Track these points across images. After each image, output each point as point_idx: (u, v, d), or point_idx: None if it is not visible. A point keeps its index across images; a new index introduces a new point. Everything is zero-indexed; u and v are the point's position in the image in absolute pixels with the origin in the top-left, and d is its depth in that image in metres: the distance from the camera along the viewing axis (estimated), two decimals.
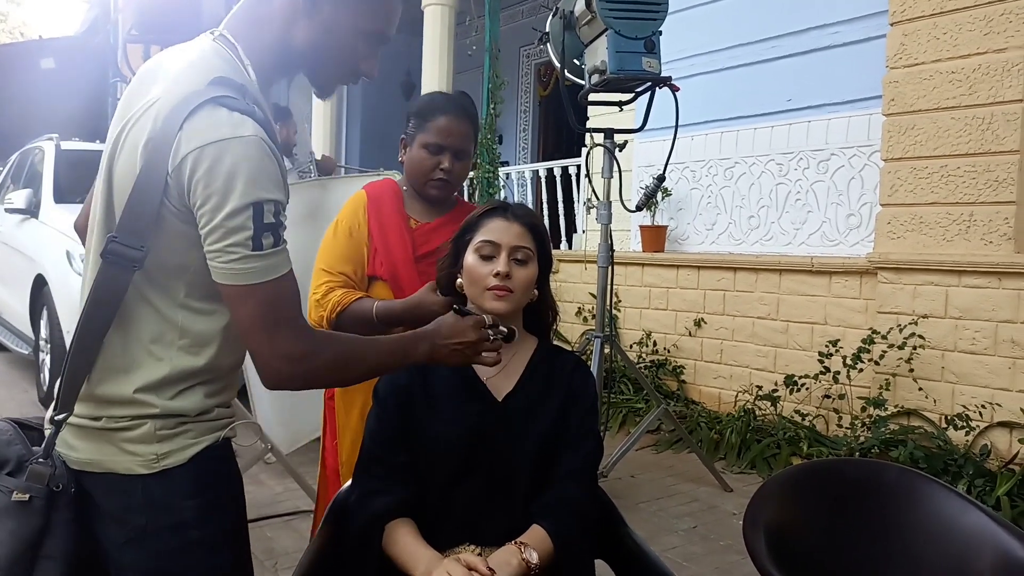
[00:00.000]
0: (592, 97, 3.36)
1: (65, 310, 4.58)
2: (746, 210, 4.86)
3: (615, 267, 3.60)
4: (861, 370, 3.88)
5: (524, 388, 1.44)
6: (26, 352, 5.48)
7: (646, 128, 3.35)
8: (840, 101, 4.35)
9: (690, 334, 4.96)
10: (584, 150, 5.25)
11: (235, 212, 0.95)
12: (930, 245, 3.75)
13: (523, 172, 7.03)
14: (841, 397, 4.07)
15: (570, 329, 5.78)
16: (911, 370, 3.74)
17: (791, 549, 1.39)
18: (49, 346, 4.82)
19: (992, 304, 3.52)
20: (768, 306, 4.55)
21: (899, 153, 3.86)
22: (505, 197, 6.97)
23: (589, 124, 3.59)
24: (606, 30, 3.02)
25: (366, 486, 1.39)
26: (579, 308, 5.73)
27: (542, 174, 6.55)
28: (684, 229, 5.24)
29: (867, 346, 3.84)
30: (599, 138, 3.43)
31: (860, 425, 3.82)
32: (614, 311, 5.21)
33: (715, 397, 4.80)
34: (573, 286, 5.82)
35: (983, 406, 3.52)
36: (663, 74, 3.09)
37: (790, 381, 4.12)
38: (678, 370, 4.99)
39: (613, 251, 3.49)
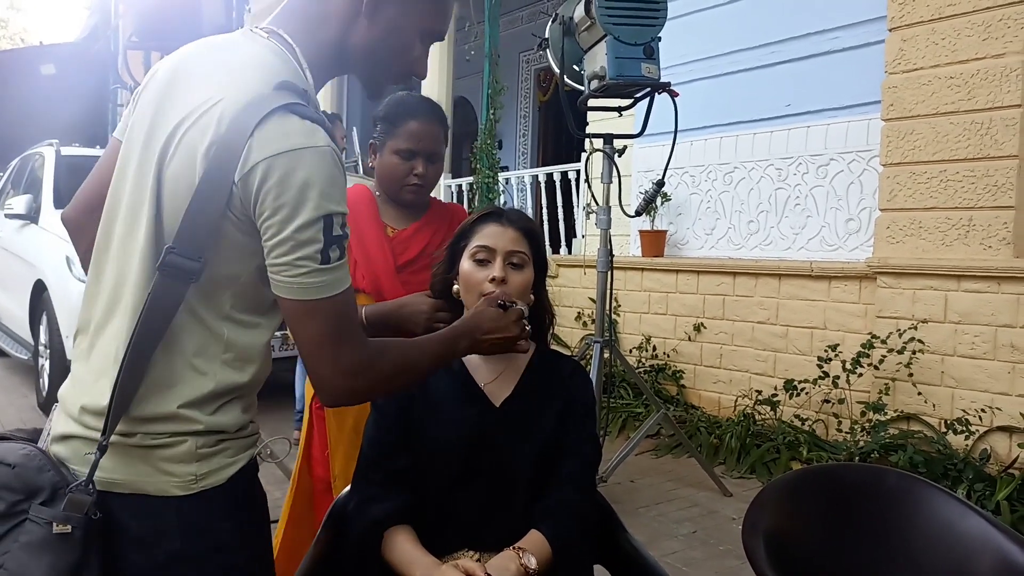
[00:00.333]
0: (591, 103, 3.37)
1: (65, 316, 4.58)
2: (745, 215, 4.86)
3: (615, 272, 3.60)
4: (861, 375, 3.88)
5: (522, 393, 1.44)
6: (25, 357, 5.48)
7: (645, 133, 3.36)
8: (839, 106, 4.36)
9: (689, 339, 4.96)
10: (584, 155, 5.26)
11: (306, 225, 0.91)
12: (929, 250, 3.76)
13: (523, 177, 7.04)
14: (841, 402, 4.07)
15: (570, 334, 5.78)
16: (910, 375, 3.74)
17: (790, 554, 1.39)
18: (49, 351, 4.82)
19: (991, 308, 3.53)
20: (767, 311, 4.55)
21: (898, 158, 3.87)
22: (505, 202, 6.98)
23: (589, 129, 3.61)
24: (605, 36, 3.03)
25: (365, 493, 1.39)
26: (579, 313, 5.73)
27: (542, 179, 6.56)
28: (684, 234, 5.24)
29: (866, 351, 3.84)
30: (598, 143, 3.44)
31: (860, 430, 3.82)
32: (613, 316, 5.20)
33: (715, 402, 4.80)
34: (573, 291, 5.83)
35: (983, 410, 3.52)
36: (662, 80, 3.10)
37: (790, 386, 4.12)
38: (678, 375, 4.99)
39: (612, 256, 3.50)
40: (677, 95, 3.15)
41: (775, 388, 4.33)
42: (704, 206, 5.11)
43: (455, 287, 1.48)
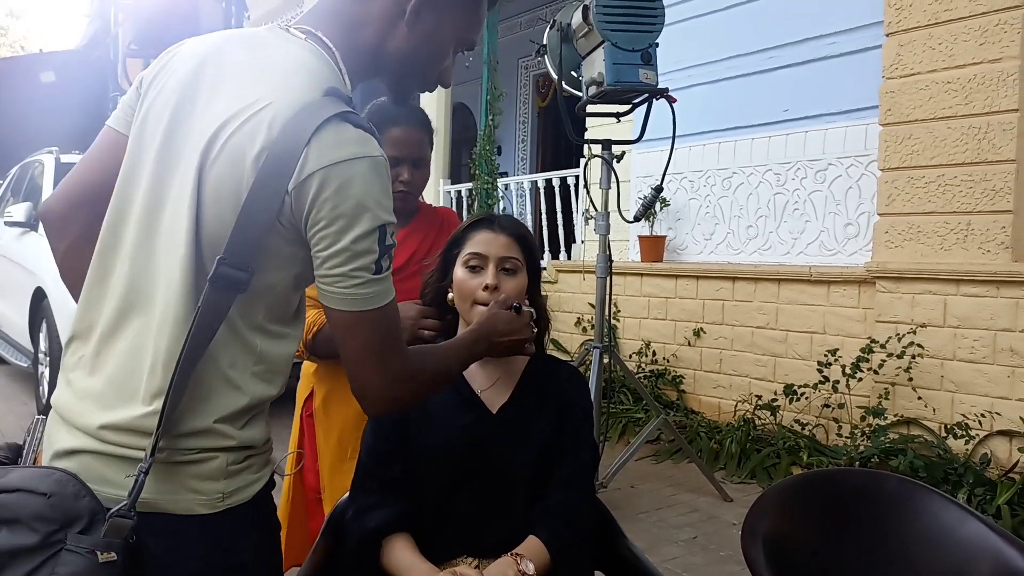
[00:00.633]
0: (590, 108, 3.37)
1: (64, 323, 4.58)
2: (744, 220, 4.87)
3: (614, 277, 3.60)
4: (860, 379, 3.88)
5: (518, 400, 1.44)
6: (25, 365, 5.48)
7: (644, 139, 3.37)
8: (837, 111, 4.37)
9: (689, 344, 4.96)
10: (582, 161, 5.27)
11: (364, 235, 0.90)
12: (928, 254, 3.76)
13: (522, 183, 7.05)
14: (841, 406, 4.07)
15: (569, 339, 5.78)
16: (910, 379, 3.74)
17: (790, 559, 1.39)
18: (48, 359, 4.82)
19: (990, 313, 3.53)
20: (767, 315, 4.55)
21: (896, 163, 3.87)
22: (504, 208, 6.99)
23: (587, 135, 3.61)
24: (603, 42, 3.04)
25: (363, 501, 1.38)
26: (578, 318, 5.73)
27: (541, 185, 6.57)
28: (683, 239, 5.25)
29: (866, 355, 3.84)
30: (597, 149, 3.45)
31: (860, 434, 3.81)
32: (613, 321, 5.21)
33: (715, 407, 4.79)
34: (572, 296, 5.83)
35: (982, 415, 3.51)
36: (660, 85, 3.11)
37: (789, 390, 4.12)
38: (677, 380, 4.98)
39: (612, 261, 3.50)
40: (675, 100, 3.16)
41: (775, 393, 4.33)
42: (703, 211, 5.11)
43: (449, 295, 1.48)
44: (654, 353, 5.15)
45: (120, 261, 0.96)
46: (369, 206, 0.90)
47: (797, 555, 1.44)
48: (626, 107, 3.41)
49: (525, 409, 1.43)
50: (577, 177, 6.08)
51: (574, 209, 6.21)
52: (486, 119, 6.52)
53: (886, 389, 3.82)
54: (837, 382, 3.95)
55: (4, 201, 6.29)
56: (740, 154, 4.88)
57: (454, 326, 1.52)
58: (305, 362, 1.86)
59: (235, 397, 0.94)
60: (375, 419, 1.44)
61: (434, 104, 7.35)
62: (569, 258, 6.24)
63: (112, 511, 0.86)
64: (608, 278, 3.45)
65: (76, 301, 1.07)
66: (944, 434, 3.57)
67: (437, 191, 7.45)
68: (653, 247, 5.23)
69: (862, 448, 3.73)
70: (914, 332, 3.72)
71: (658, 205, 4.95)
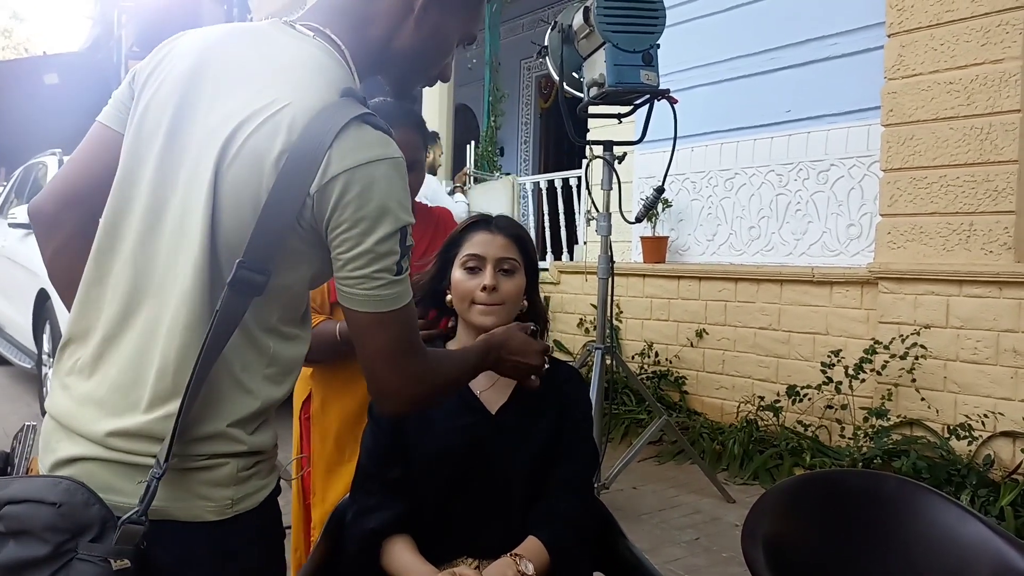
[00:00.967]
0: (591, 110, 3.38)
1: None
2: (746, 221, 4.86)
3: (616, 278, 3.60)
4: (863, 380, 3.87)
5: (517, 401, 1.44)
6: (29, 366, 5.50)
7: (646, 140, 3.37)
8: (839, 112, 4.37)
9: (692, 345, 4.95)
10: (584, 162, 5.27)
11: (387, 237, 0.90)
12: (930, 255, 3.75)
13: (524, 184, 7.05)
14: (843, 407, 4.06)
15: (571, 340, 5.77)
16: (913, 380, 3.73)
17: (790, 560, 1.39)
18: (52, 360, 4.84)
19: (993, 314, 3.52)
20: (769, 316, 4.55)
21: (898, 163, 3.87)
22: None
23: (589, 136, 3.61)
24: (604, 43, 3.04)
25: (362, 503, 1.39)
26: (580, 319, 5.73)
27: (543, 186, 6.57)
28: (685, 240, 5.24)
29: (869, 356, 3.84)
30: (598, 150, 3.45)
31: (863, 435, 3.81)
32: (615, 322, 5.21)
33: (717, 408, 4.79)
34: (574, 297, 5.83)
35: (985, 416, 3.51)
36: (661, 86, 3.11)
37: (792, 392, 4.11)
38: (680, 381, 4.98)
39: (614, 262, 3.50)
40: (676, 101, 3.16)
41: (777, 394, 4.33)
42: (705, 212, 5.11)
43: (448, 296, 1.48)
44: (656, 354, 5.14)
45: (120, 262, 0.93)
46: (391, 208, 0.90)
47: (797, 556, 1.44)
48: (627, 108, 3.41)
49: (524, 410, 1.43)
50: (579, 178, 6.08)
51: (576, 210, 6.21)
52: (488, 120, 6.53)
53: (889, 390, 3.81)
54: (840, 383, 3.95)
55: (8, 202, 6.31)
56: (742, 155, 4.88)
57: (452, 329, 1.52)
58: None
59: (246, 400, 0.93)
60: (375, 421, 1.44)
61: (436, 105, 7.36)
62: (571, 259, 6.24)
63: (124, 518, 0.84)
64: (610, 279, 3.45)
65: (64, 302, 1.05)
66: (947, 435, 3.57)
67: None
68: (655, 248, 5.22)
69: (865, 449, 3.72)
70: (917, 333, 3.71)
71: (660, 206, 4.95)
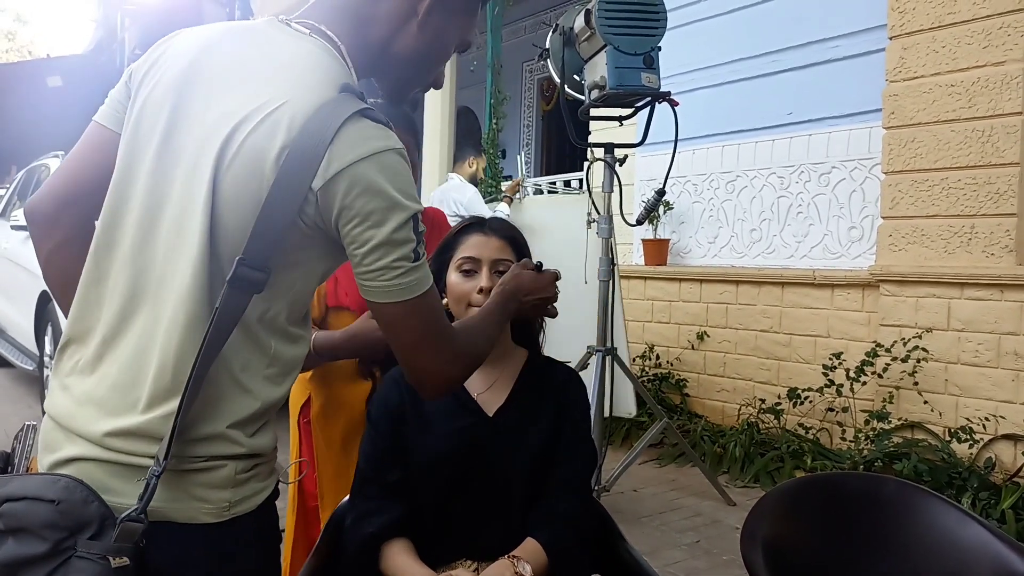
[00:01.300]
0: (592, 112, 3.38)
1: None
2: (748, 223, 4.86)
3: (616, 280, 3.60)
4: (864, 383, 3.87)
5: (515, 402, 1.44)
6: (30, 368, 5.50)
7: (647, 142, 3.37)
8: (841, 114, 4.37)
9: (693, 347, 4.95)
10: (585, 164, 5.28)
11: (401, 225, 0.90)
12: (932, 258, 3.75)
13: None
14: (845, 410, 4.05)
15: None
16: (915, 383, 3.73)
17: (789, 562, 1.39)
18: (53, 362, 4.84)
19: (995, 316, 3.52)
20: (771, 319, 4.55)
21: (900, 166, 3.87)
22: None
23: (590, 139, 3.62)
24: (605, 46, 3.04)
25: (361, 507, 1.39)
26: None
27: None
28: (686, 242, 5.24)
29: (870, 359, 3.83)
30: (599, 153, 3.45)
31: (864, 438, 3.80)
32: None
33: (718, 410, 4.79)
34: None
35: (987, 419, 3.50)
36: (662, 89, 3.11)
37: (793, 394, 4.11)
38: (681, 383, 4.98)
39: (615, 265, 3.50)
40: (677, 104, 3.16)
41: (779, 397, 4.32)
42: (707, 215, 5.11)
43: (444, 300, 1.48)
44: (657, 357, 5.14)
45: (119, 262, 0.93)
46: (400, 197, 0.90)
47: (796, 558, 1.44)
48: (629, 111, 3.42)
49: (522, 412, 1.43)
50: (580, 180, 6.08)
51: None
52: (490, 123, 6.53)
53: (890, 393, 3.81)
54: (841, 386, 3.94)
55: (11, 205, 6.32)
56: (743, 157, 4.88)
57: None
58: None
59: (246, 401, 0.92)
60: (371, 425, 1.44)
61: (438, 108, 7.37)
62: None
63: (123, 515, 0.84)
64: (611, 281, 3.45)
65: (59, 303, 1.05)
66: (948, 438, 3.56)
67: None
68: (656, 250, 5.22)
69: (866, 452, 3.72)
70: (918, 336, 3.71)
71: (661, 208, 4.95)
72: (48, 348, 5.02)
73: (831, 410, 4.12)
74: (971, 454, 3.49)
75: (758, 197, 4.80)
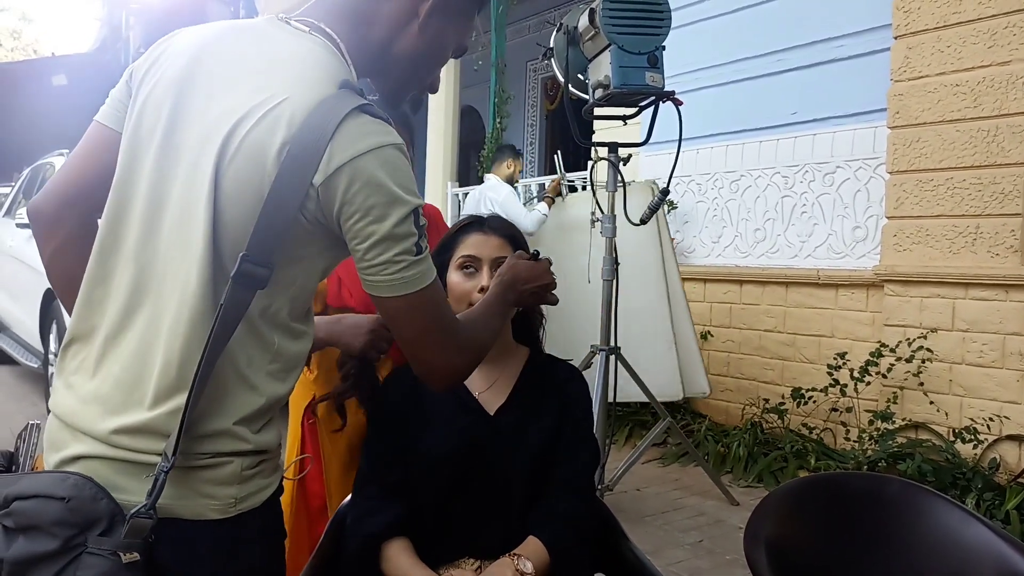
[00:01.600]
0: (596, 111, 3.37)
1: None
2: (752, 223, 4.85)
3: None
4: (869, 383, 3.86)
5: (516, 401, 1.44)
6: (35, 366, 5.52)
7: (652, 142, 3.36)
8: (845, 114, 4.36)
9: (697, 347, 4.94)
10: (589, 163, 5.27)
11: (403, 219, 0.91)
12: (936, 258, 3.74)
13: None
14: (849, 410, 4.05)
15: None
16: (920, 383, 3.72)
17: (792, 562, 1.39)
18: (57, 360, 4.86)
19: (999, 317, 3.51)
20: (775, 319, 4.54)
21: (904, 166, 3.86)
22: None
23: (595, 138, 3.61)
24: (609, 45, 3.03)
25: (362, 507, 1.39)
26: None
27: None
28: (690, 242, 5.24)
29: (875, 359, 3.83)
30: (603, 152, 3.45)
31: (868, 438, 3.80)
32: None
33: (722, 410, 4.78)
34: None
35: (991, 419, 3.49)
36: (667, 88, 3.10)
37: (797, 394, 4.10)
38: None
39: (618, 264, 3.50)
40: (681, 104, 3.15)
41: (782, 396, 4.32)
42: (711, 214, 5.11)
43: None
44: None
45: (122, 261, 0.93)
46: (400, 191, 0.91)
47: (800, 558, 1.44)
48: (633, 110, 3.41)
49: (523, 410, 1.43)
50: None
51: None
52: (494, 122, 6.54)
53: (894, 393, 3.80)
54: (845, 386, 3.93)
55: (16, 203, 6.34)
56: (748, 157, 4.87)
57: None
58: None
59: (251, 397, 0.93)
60: (372, 425, 1.44)
61: (442, 107, 7.37)
62: None
63: (133, 511, 0.85)
64: (614, 281, 3.45)
65: (63, 302, 1.06)
66: (952, 438, 3.55)
67: (445, 194, 7.46)
68: None
69: (870, 452, 3.71)
70: (924, 336, 3.70)
71: (665, 208, 4.94)
72: (53, 346, 5.04)
73: (835, 410, 4.11)
74: (975, 454, 3.48)
75: (762, 197, 4.79)
